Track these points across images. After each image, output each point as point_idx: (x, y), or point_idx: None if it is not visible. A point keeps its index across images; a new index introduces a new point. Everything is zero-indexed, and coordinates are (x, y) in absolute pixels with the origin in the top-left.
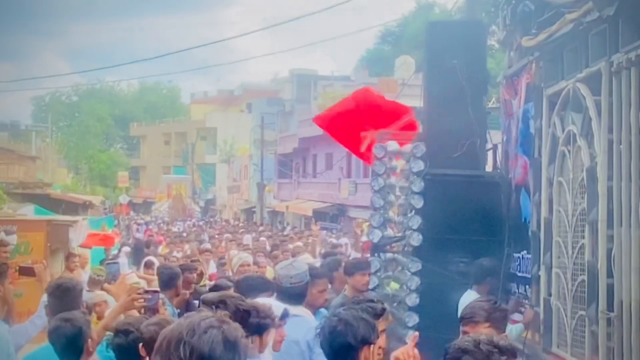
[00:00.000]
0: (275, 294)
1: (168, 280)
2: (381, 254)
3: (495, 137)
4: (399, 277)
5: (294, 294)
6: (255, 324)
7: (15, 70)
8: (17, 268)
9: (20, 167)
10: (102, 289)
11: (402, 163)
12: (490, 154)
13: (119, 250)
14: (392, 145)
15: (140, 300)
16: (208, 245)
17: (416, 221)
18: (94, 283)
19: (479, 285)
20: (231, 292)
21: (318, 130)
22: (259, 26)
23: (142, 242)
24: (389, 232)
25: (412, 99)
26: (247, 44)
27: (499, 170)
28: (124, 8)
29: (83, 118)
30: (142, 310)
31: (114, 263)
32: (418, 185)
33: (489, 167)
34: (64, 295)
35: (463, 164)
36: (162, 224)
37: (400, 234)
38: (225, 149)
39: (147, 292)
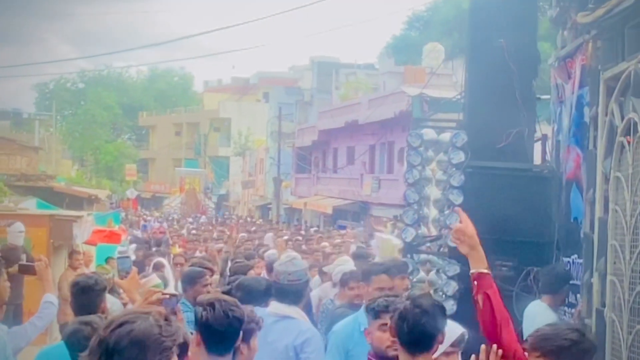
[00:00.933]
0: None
1: (189, 280)
2: (414, 254)
3: (544, 126)
4: (434, 281)
5: (291, 292)
6: (243, 331)
7: (17, 54)
8: (17, 266)
9: (22, 158)
10: (114, 283)
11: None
12: (538, 145)
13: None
14: (429, 133)
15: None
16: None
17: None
18: None
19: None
20: (224, 295)
21: (339, 122)
22: (277, 10)
23: (141, 240)
24: (424, 230)
25: (441, 89)
26: (264, 29)
27: (548, 164)
28: None
29: (89, 106)
30: None
31: (126, 257)
32: (457, 178)
33: (537, 160)
34: (80, 294)
35: (508, 155)
36: (173, 221)
37: (436, 233)
38: (240, 141)
39: (164, 295)
